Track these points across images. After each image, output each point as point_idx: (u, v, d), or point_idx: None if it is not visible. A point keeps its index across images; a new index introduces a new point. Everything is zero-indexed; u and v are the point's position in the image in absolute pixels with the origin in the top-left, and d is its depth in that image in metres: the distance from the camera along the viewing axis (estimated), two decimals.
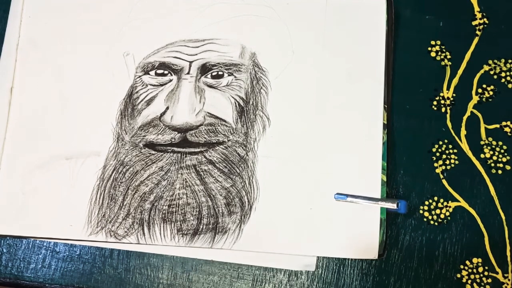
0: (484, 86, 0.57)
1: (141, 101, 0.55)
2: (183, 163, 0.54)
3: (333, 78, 0.56)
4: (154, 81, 0.56)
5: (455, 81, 0.57)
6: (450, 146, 0.55)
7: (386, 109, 0.55)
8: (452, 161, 0.55)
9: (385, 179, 0.53)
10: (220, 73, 0.56)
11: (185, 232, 0.53)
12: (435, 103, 0.56)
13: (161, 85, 0.56)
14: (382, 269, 0.53)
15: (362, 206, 0.52)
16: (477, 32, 0.58)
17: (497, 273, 0.53)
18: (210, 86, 0.56)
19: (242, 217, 0.53)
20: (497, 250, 0.53)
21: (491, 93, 0.57)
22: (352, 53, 0.56)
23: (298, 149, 0.54)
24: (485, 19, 0.58)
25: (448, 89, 0.57)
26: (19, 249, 0.54)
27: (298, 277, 0.53)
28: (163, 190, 0.53)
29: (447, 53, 0.57)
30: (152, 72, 0.56)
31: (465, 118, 0.56)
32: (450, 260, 0.53)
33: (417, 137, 0.56)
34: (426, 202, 0.54)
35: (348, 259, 0.53)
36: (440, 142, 0.55)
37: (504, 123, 0.56)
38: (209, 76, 0.56)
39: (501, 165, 0.55)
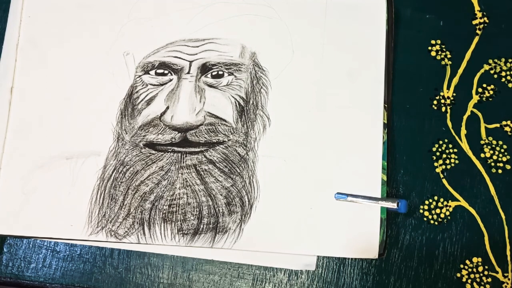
0: (484, 85, 0.57)
1: (141, 100, 0.55)
2: (183, 162, 0.54)
3: (333, 77, 0.56)
4: (154, 81, 0.56)
5: (455, 80, 0.57)
6: (450, 146, 0.55)
7: (386, 109, 0.55)
8: (452, 160, 0.55)
9: (385, 178, 0.54)
10: (220, 72, 0.56)
11: (186, 232, 0.53)
12: (435, 102, 0.56)
13: (161, 84, 0.56)
14: (382, 269, 0.53)
15: (362, 205, 0.52)
16: (477, 32, 0.58)
17: (497, 272, 0.53)
18: (210, 86, 0.55)
19: (243, 217, 0.53)
20: (497, 250, 0.53)
21: (491, 92, 0.57)
22: (352, 53, 0.56)
23: (298, 149, 0.54)
24: (485, 19, 0.58)
25: (448, 88, 0.57)
26: (20, 249, 0.54)
27: (298, 277, 0.53)
28: (163, 190, 0.53)
29: (447, 53, 0.57)
30: (152, 72, 0.56)
31: (465, 117, 0.56)
32: (450, 260, 0.53)
33: (417, 137, 0.56)
34: (426, 202, 0.54)
35: (348, 258, 0.53)
36: (440, 142, 0.55)
37: (504, 123, 0.56)
38: (209, 75, 0.56)
39: (501, 164, 0.55)
